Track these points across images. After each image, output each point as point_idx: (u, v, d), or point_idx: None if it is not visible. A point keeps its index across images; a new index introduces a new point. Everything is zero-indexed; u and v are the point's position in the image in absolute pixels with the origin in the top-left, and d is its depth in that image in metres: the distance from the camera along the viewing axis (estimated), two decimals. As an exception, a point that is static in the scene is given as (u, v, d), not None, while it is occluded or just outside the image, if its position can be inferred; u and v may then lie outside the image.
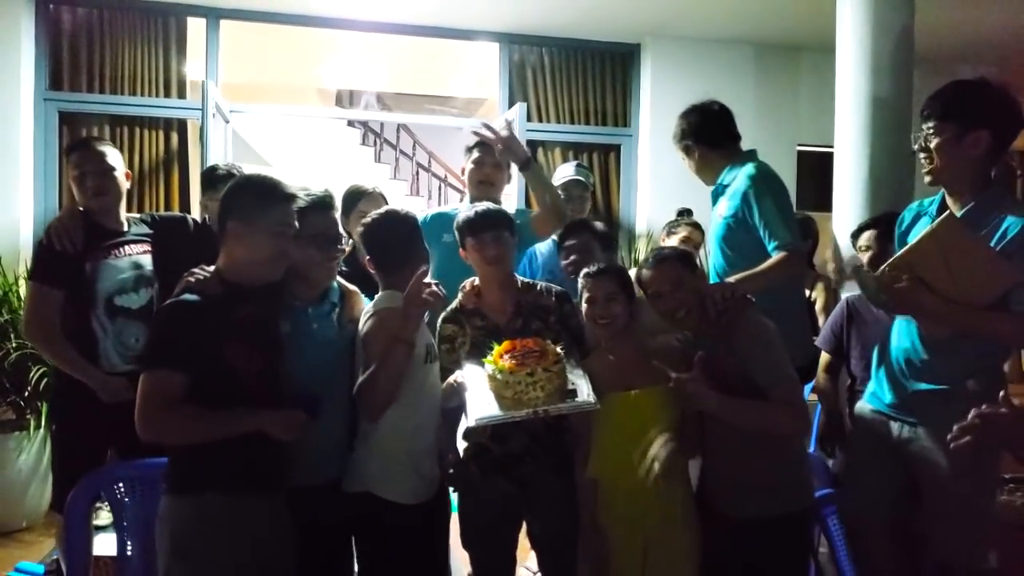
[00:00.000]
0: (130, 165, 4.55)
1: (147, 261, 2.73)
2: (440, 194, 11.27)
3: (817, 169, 5.29)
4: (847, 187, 3.51)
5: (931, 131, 1.99)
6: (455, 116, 8.94)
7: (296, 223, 1.97)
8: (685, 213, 3.72)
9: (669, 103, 5.22)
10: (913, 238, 2.01)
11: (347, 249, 2.25)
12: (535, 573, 2.86)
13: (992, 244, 1.90)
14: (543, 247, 3.07)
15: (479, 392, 2.06)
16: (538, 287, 2.39)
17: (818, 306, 3.45)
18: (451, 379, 2.17)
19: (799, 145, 5.42)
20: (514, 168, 2.93)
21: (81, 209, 2.69)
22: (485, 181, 2.88)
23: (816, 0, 4.03)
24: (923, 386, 2.05)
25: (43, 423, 3.67)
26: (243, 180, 2.02)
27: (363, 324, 2.12)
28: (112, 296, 2.64)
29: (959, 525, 2.01)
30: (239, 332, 1.86)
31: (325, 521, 2.09)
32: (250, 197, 1.92)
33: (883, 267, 1.96)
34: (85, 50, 4.61)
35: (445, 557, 2.39)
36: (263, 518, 1.89)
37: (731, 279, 2.34)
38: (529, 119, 5.17)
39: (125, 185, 2.74)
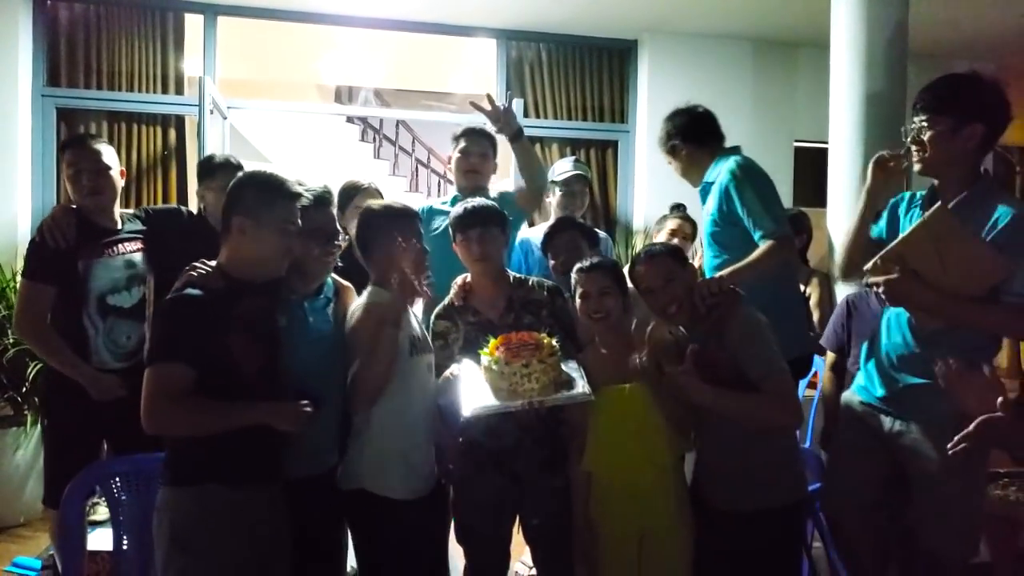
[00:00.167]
0: (128, 161, 4.57)
1: (140, 259, 2.74)
2: (439, 190, 11.28)
3: (814, 165, 5.29)
4: (841, 183, 3.52)
5: (924, 123, 2.00)
6: (453, 112, 8.94)
7: (299, 220, 1.99)
8: (678, 207, 3.73)
9: (666, 99, 5.18)
10: (904, 230, 2.02)
11: (343, 244, 2.26)
12: (530, 568, 2.87)
13: (983, 235, 1.91)
14: (539, 239, 3.09)
15: (474, 384, 2.08)
16: (530, 282, 2.41)
17: (812, 301, 3.46)
18: (447, 373, 2.18)
19: (796, 141, 5.42)
20: (501, 157, 3.02)
21: (74, 206, 2.68)
22: (471, 170, 2.94)
23: (813, -4, 4.04)
24: (914, 380, 2.06)
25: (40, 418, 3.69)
26: (248, 176, 2.03)
27: (350, 317, 2.15)
28: (104, 295, 2.65)
29: (949, 518, 2.02)
30: (242, 326, 1.87)
31: (319, 512, 2.11)
32: (257, 194, 1.93)
33: (875, 259, 1.96)
34: (83, 46, 4.61)
35: (444, 551, 2.40)
36: (262, 509, 1.90)
37: (721, 273, 2.36)
38: (526, 115, 5.17)
39: (120, 183, 2.75)
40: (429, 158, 11.39)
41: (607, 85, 5.44)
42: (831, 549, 2.36)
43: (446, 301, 2.36)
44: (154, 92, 4.71)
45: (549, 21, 5.08)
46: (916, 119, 2.03)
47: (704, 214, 2.71)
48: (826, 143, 3.84)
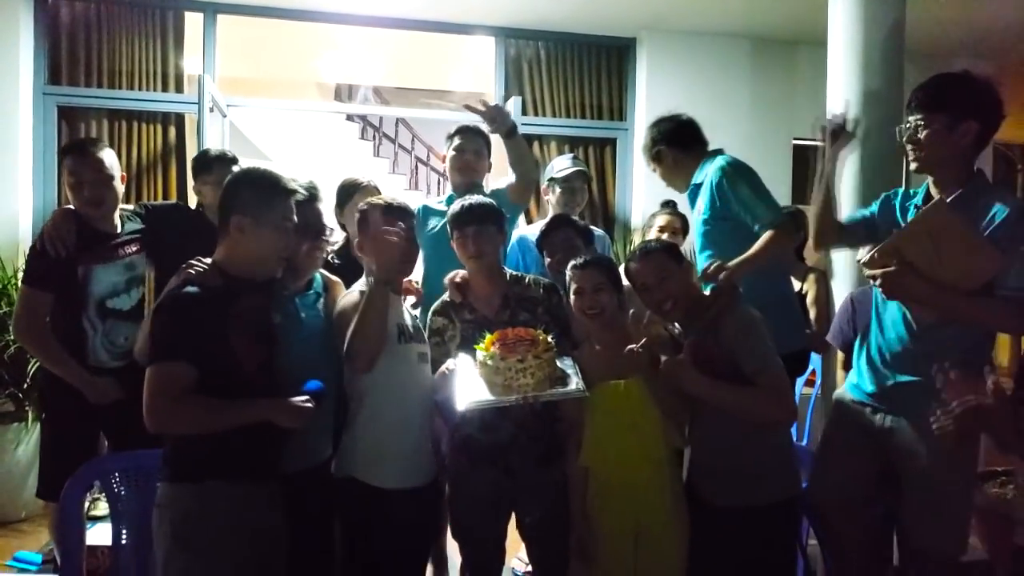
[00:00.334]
0: (128, 159, 4.58)
1: (139, 261, 2.74)
2: (439, 188, 11.28)
3: (813, 163, 5.29)
4: (838, 181, 3.51)
5: (920, 122, 2.02)
6: (453, 110, 8.94)
7: (295, 216, 2.00)
8: (668, 204, 3.75)
9: (665, 97, 5.25)
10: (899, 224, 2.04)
11: (329, 239, 2.29)
12: (527, 564, 2.89)
13: (979, 231, 1.92)
14: (535, 236, 3.11)
15: (470, 378, 2.09)
16: (526, 279, 2.42)
17: (809, 299, 3.46)
18: (443, 367, 2.19)
19: (795, 139, 5.42)
20: (494, 157, 3.04)
21: (74, 208, 2.68)
22: (466, 167, 2.97)
23: (811, -6, 4.04)
24: (907, 378, 2.07)
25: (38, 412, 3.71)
26: (244, 174, 2.03)
27: (340, 303, 2.18)
28: (104, 299, 2.66)
29: (938, 516, 2.04)
30: (242, 324, 1.88)
31: (313, 505, 2.12)
32: (255, 192, 1.94)
33: (872, 252, 1.98)
34: (83, 45, 4.63)
35: (440, 545, 2.42)
36: (261, 505, 1.91)
37: (726, 266, 2.36)
38: (525, 113, 5.18)
39: (121, 189, 2.74)
40: (428, 156, 11.40)
41: (605, 83, 5.44)
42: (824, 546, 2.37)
43: (443, 297, 2.37)
44: (154, 90, 4.72)
45: (548, 19, 5.09)
46: (911, 118, 2.05)
47: (695, 215, 2.74)
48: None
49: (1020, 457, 1.68)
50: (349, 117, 10.34)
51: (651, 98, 5.25)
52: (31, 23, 4.49)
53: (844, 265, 3.33)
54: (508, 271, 2.44)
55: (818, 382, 3.69)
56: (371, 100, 10.39)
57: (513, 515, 2.36)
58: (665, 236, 3.42)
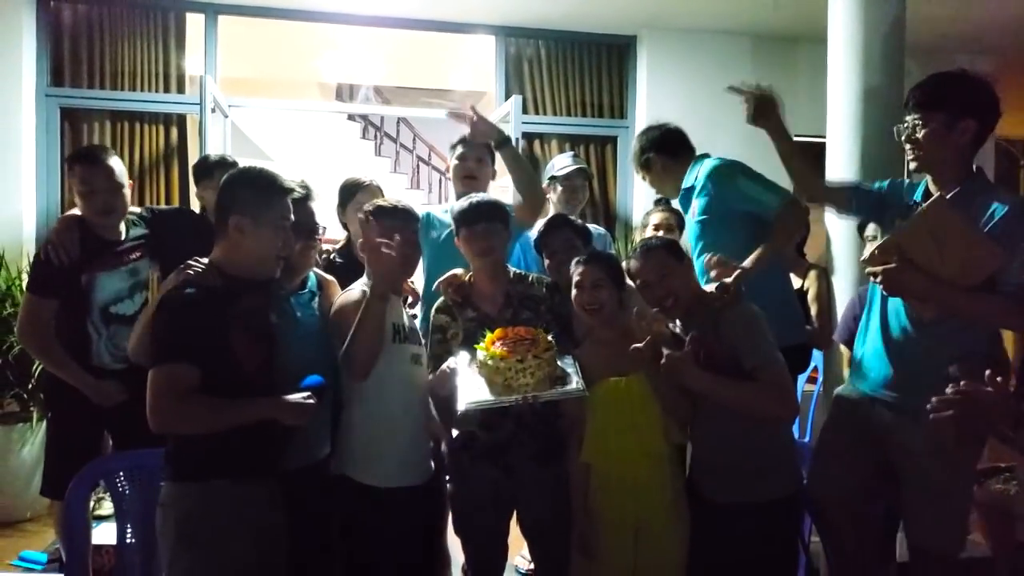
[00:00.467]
0: (131, 160, 4.60)
1: (143, 266, 2.74)
2: (440, 187, 11.29)
3: (815, 159, 5.28)
4: (839, 177, 3.52)
5: (918, 121, 2.02)
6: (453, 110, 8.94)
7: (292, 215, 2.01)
8: (662, 201, 3.75)
9: (665, 95, 5.27)
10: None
11: (321, 238, 2.32)
12: (530, 562, 2.89)
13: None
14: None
15: (470, 378, 2.10)
16: (529, 278, 2.42)
17: (810, 295, 3.46)
18: (444, 366, 2.20)
19: (796, 136, 5.40)
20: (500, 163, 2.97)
21: (78, 213, 2.69)
22: (469, 176, 2.94)
23: (811, -9, 4.03)
24: (908, 373, 2.07)
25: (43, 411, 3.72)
26: (241, 174, 2.02)
27: (336, 304, 2.19)
28: (108, 305, 2.67)
29: (936, 514, 2.04)
30: (242, 324, 1.88)
31: (312, 502, 2.13)
32: (253, 192, 1.94)
33: (872, 248, 1.99)
34: (86, 46, 4.65)
35: (440, 543, 2.42)
36: (263, 504, 1.92)
37: (750, 258, 2.38)
38: (525, 111, 5.17)
39: (129, 197, 2.74)
40: (430, 155, 11.40)
41: (606, 81, 5.44)
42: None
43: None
44: (156, 91, 4.74)
45: (548, 17, 5.09)
46: (908, 117, 2.05)
47: (689, 217, 2.74)
48: (825, 138, 3.85)
49: (1020, 451, 1.68)
50: (350, 117, 10.35)
51: (651, 96, 5.25)
52: (33, 25, 4.51)
53: (845, 262, 3.34)
54: (511, 269, 2.44)
55: (820, 380, 3.69)
56: (372, 100, 10.39)
57: (515, 513, 2.36)
58: (660, 233, 3.42)
